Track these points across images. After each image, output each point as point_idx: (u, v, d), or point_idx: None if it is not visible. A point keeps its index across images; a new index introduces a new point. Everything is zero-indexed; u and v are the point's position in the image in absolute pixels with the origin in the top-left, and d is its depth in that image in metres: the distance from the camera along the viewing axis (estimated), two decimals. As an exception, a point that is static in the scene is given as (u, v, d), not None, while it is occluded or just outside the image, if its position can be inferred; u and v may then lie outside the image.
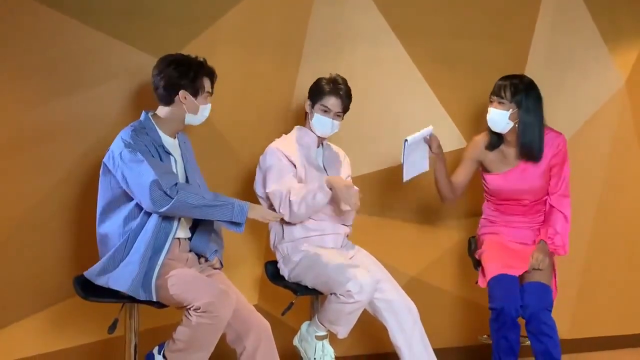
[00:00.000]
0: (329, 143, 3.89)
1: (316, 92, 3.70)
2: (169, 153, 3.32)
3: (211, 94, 3.41)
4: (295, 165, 3.65)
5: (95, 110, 3.81)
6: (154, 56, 3.84)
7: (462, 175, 3.94)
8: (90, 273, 3.24)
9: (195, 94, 3.33)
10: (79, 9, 3.75)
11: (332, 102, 3.66)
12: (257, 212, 3.30)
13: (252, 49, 4.07)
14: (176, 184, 3.16)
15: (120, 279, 3.16)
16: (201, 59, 3.37)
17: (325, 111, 3.67)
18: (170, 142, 3.38)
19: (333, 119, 3.68)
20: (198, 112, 3.36)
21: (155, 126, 3.34)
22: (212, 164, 3.86)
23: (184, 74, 3.30)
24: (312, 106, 3.71)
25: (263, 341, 3.27)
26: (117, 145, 3.24)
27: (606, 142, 4.71)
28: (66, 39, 3.75)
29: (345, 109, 3.72)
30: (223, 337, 3.24)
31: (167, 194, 3.12)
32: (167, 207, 3.12)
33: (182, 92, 3.31)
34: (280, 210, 3.57)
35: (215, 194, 3.25)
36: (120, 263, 3.18)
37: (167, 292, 3.15)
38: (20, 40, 3.69)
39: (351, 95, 3.73)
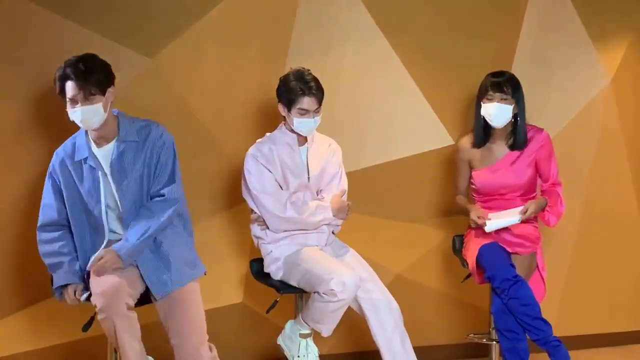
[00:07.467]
0: (318, 135, 3.77)
1: (287, 96, 3.54)
2: (94, 168, 3.20)
3: (72, 98, 3.09)
4: (271, 171, 3.62)
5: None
6: (138, 53, 3.83)
7: (464, 181, 4.05)
8: None
9: (62, 98, 3.17)
10: (64, 6, 3.74)
11: (307, 102, 3.53)
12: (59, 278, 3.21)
13: (238, 46, 4.06)
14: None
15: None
16: (71, 60, 3.11)
17: (304, 114, 3.56)
18: (99, 152, 3.22)
19: (314, 117, 3.58)
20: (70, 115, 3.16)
21: (86, 137, 3.23)
22: (197, 159, 3.85)
23: None
24: (289, 110, 3.56)
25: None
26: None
27: (592, 140, 4.70)
28: (48, 35, 3.74)
29: (321, 102, 3.59)
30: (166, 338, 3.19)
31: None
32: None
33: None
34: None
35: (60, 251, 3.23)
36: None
37: None
38: (1, 35, 3.68)
39: (321, 85, 3.59)
